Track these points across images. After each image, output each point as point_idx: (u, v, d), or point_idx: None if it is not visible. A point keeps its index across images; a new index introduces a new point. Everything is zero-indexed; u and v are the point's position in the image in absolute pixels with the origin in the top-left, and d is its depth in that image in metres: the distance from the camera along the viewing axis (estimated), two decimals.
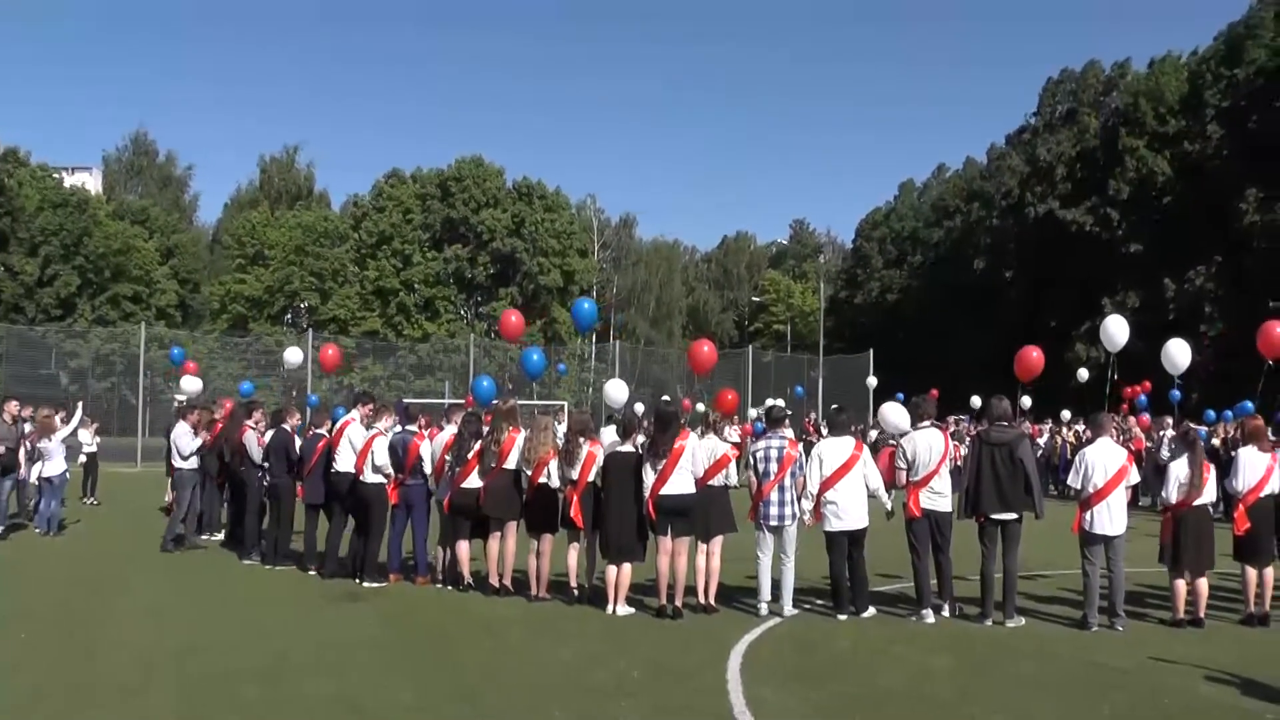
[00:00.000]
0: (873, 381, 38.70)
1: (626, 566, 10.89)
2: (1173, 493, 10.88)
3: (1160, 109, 53.94)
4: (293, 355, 25.45)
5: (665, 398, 26.65)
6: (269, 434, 14.59)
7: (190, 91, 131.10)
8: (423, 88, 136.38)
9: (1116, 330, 14.45)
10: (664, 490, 10.65)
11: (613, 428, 11.71)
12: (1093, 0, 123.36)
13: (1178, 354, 15.71)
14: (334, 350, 19.21)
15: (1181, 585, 10.79)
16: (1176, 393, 20.70)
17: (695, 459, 10.87)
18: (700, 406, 25.22)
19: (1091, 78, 61.87)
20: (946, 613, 10.89)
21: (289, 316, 65.69)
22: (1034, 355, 13.13)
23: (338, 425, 13.22)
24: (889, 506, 11.09)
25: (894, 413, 11.80)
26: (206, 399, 22.33)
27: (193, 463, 15.80)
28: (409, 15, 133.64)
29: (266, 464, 14.44)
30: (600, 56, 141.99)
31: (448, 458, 12.24)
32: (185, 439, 15.70)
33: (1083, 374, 31.95)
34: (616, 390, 15.33)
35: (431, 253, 65.36)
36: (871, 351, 43.53)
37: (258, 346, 52.58)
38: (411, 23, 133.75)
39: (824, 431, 27.64)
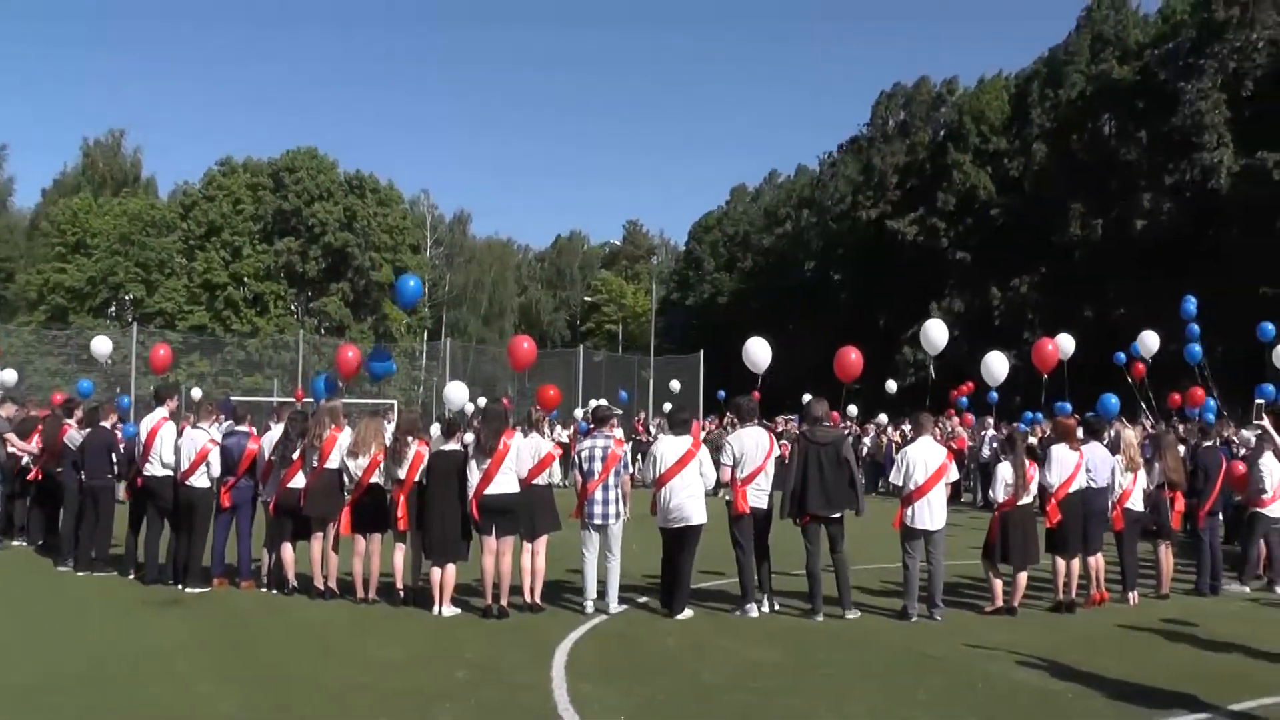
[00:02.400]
0: (675, 385, 38.69)
1: (451, 567, 10.78)
2: (999, 493, 11.35)
3: (984, 127, 56.14)
4: (100, 345, 23.70)
5: (500, 397, 26.51)
6: (85, 433, 13.80)
7: (6, 65, 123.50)
8: (256, 75, 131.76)
9: (936, 334, 14.88)
10: (488, 490, 10.60)
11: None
12: (925, 17, 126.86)
13: (996, 365, 16.33)
14: (165, 350, 18.38)
15: (999, 584, 11.33)
16: (994, 394, 21.57)
17: (520, 458, 10.83)
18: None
19: (923, 93, 63.92)
20: (768, 607, 11.04)
21: (112, 309, 62.45)
22: (852, 357, 13.46)
23: (150, 425, 12.52)
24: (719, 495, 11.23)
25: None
26: (23, 395, 21.13)
27: None
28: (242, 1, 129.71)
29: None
30: (435, 52, 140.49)
31: (274, 458, 11.91)
32: None
33: (891, 386, 33.01)
34: (457, 392, 15.18)
35: (262, 245, 63.10)
36: (702, 353, 43.92)
37: (78, 340, 50.10)
38: (245, 9, 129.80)
39: (653, 431, 27.90)
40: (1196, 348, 19.30)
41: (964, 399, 27.76)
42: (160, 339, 50.82)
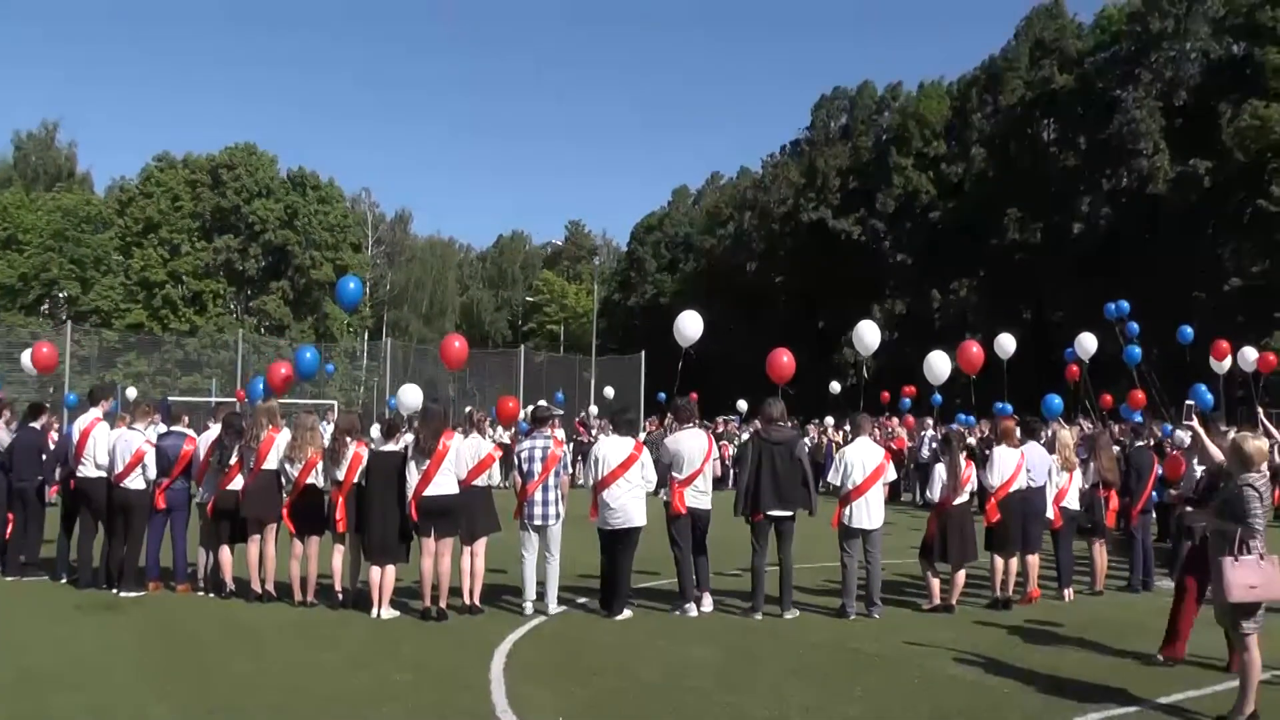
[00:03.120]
0: (610, 391, 38.51)
1: (390, 569, 10.70)
2: (936, 492, 11.51)
3: (926, 131, 56.72)
4: (29, 360, 22.12)
5: (437, 397, 26.30)
6: (14, 433, 13.47)
7: None
8: (195, 69, 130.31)
9: (868, 335, 14.97)
10: (427, 491, 10.54)
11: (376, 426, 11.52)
12: (866, 22, 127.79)
13: (938, 365, 16.47)
14: (49, 349, 18.02)
15: (936, 582, 11.51)
16: (938, 397, 21.80)
17: (460, 459, 10.78)
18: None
19: (866, 97, 64.44)
20: (708, 605, 11.07)
21: (45, 307, 61.30)
22: (784, 359, 13.52)
23: (83, 426, 12.26)
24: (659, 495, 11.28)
25: None
26: None
27: None
28: None
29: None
30: (377, 49, 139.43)
31: (210, 460, 11.75)
32: None
33: (835, 387, 33.26)
34: (410, 395, 15.06)
35: (201, 243, 62.34)
36: (644, 353, 43.94)
37: (9, 339, 49.25)
38: (181, 2, 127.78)
39: (594, 432, 27.86)
40: (1136, 349, 19.63)
41: (907, 400, 28.04)
42: (96, 337, 50.46)
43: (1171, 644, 8.94)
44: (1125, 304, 20.69)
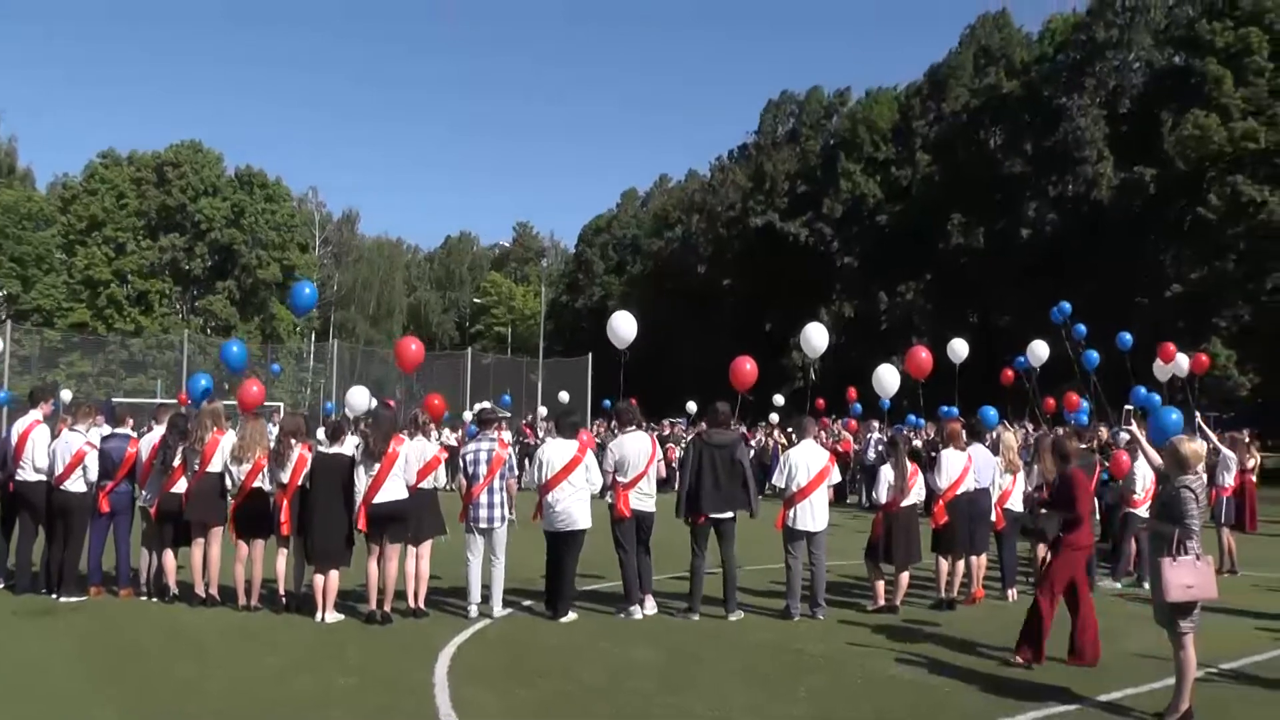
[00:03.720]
0: (565, 396, 38.23)
1: (334, 573, 10.60)
2: (883, 494, 11.58)
3: (874, 136, 57.12)
4: None
5: (387, 399, 26.18)
6: None
7: None
8: (139, 64, 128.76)
9: (815, 337, 14.98)
10: (377, 498, 10.46)
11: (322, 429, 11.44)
12: (814, 28, 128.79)
13: (887, 379, 16.53)
14: None
15: (881, 584, 11.60)
16: (886, 401, 21.96)
17: (408, 463, 10.73)
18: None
19: (814, 102, 64.83)
20: (651, 608, 11.08)
21: None
22: (747, 367, 13.54)
23: (22, 428, 12.00)
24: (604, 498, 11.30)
25: None
26: None
27: None
28: None
29: None
30: (325, 48, 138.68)
31: (155, 462, 11.60)
32: None
33: (778, 399, 33.39)
34: (358, 397, 14.96)
35: (146, 241, 61.41)
36: (590, 355, 43.87)
37: None
38: None
39: (543, 435, 27.78)
40: (1094, 354, 19.84)
41: (857, 405, 28.19)
42: (37, 337, 49.72)
43: (1029, 646, 8.98)
44: (1067, 305, 20.89)
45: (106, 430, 12.53)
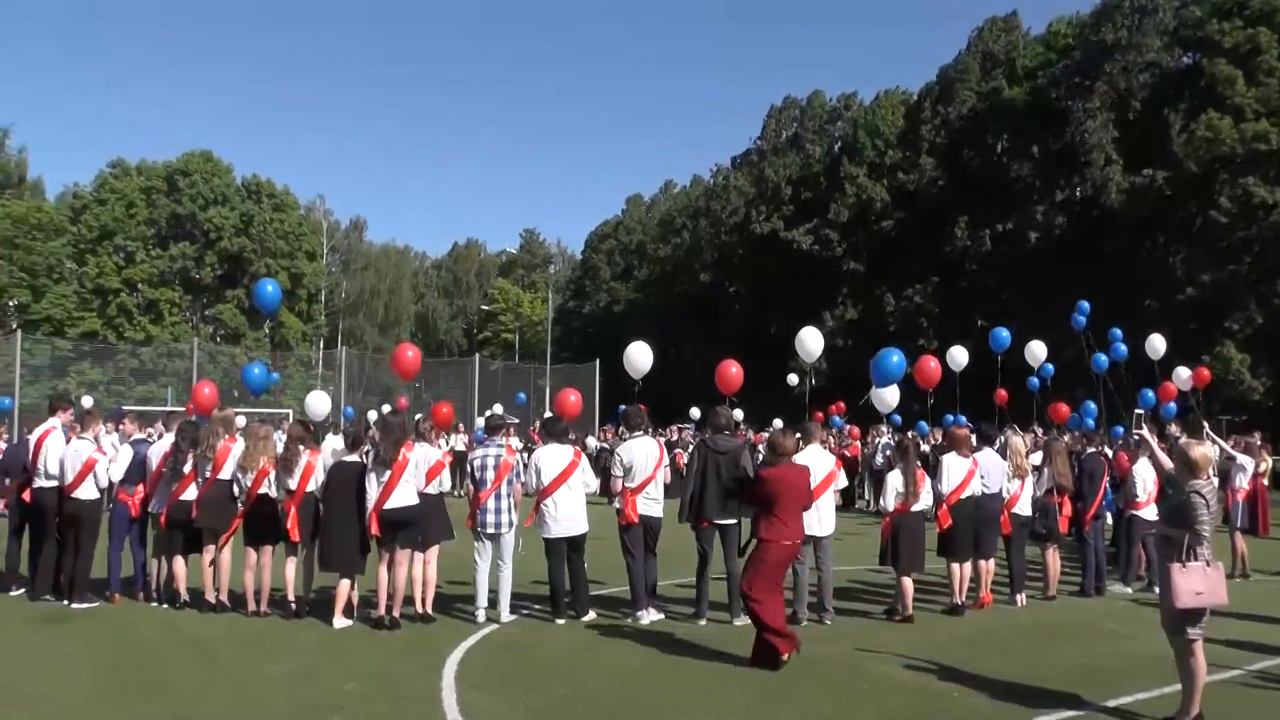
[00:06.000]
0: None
1: (346, 580, 10.62)
2: (890, 500, 11.53)
3: (879, 141, 57.05)
4: None
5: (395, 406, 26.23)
6: None
7: None
8: (150, 75, 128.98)
9: (810, 341, 14.92)
10: (389, 504, 10.47)
11: (340, 437, 11.47)
12: (819, 34, 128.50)
13: (888, 398, 16.45)
14: None
15: (908, 582, 11.43)
16: (897, 417, 22.01)
17: (418, 469, 10.73)
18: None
19: (817, 107, 64.65)
20: (658, 613, 11.06)
21: None
22: (733, 370, 13.58)
23: (38, 436, 12.10)
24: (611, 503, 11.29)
25: None
26: None
27: None
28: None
29: None
30: (332, 56, 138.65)
31: (165, 469, 11.61)
32: None
33: (793, 379, 33.25)
34: (318, 402, 15.01)
35: (156, 250, 61.54)
36: (598, 361, 43.90)
37: None
38: (136, 7, 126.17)
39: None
40: (1103, 357, 19.73)
41: (837, 419, 28.12)
42: (48, 346, 49.78)
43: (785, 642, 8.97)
44: (1085, 304, 20.79)
45: (114, 436, 12.58)
